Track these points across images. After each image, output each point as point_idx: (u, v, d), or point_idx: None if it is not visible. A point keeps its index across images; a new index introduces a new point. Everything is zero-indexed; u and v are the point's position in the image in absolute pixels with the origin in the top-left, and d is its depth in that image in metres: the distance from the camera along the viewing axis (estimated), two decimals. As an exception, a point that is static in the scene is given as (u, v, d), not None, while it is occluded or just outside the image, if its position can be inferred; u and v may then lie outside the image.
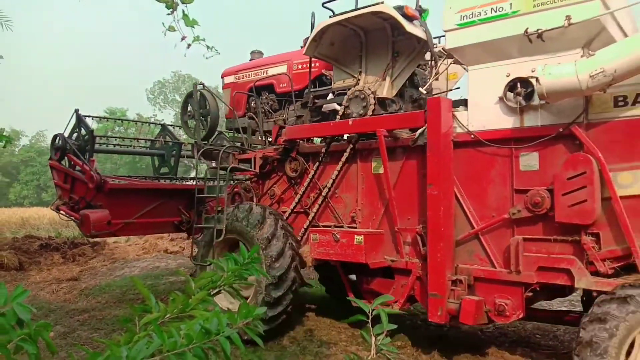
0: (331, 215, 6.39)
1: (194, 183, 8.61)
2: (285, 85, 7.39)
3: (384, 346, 2.03)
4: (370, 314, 2.08)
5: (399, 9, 5.48)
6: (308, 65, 6.98)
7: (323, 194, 6.37)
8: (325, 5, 6.31)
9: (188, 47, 5.72)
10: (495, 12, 4.62)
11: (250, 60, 8.62)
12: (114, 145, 10.01)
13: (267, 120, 7.53)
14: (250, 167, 7.12)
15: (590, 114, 4.40)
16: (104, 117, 11.49)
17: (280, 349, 5.78)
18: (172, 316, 1.79)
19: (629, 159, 4.21)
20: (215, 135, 7.75)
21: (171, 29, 4.38)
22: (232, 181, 7.64)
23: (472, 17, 4.75)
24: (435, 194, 5.05)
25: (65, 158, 8.29)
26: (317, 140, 7.19)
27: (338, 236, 5.66)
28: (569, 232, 4.43)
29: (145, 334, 1.63)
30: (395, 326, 2.00)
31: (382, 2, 5.58)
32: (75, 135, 8.49)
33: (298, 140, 6.75)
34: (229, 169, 7.02)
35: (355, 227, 6.01)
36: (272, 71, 7.62)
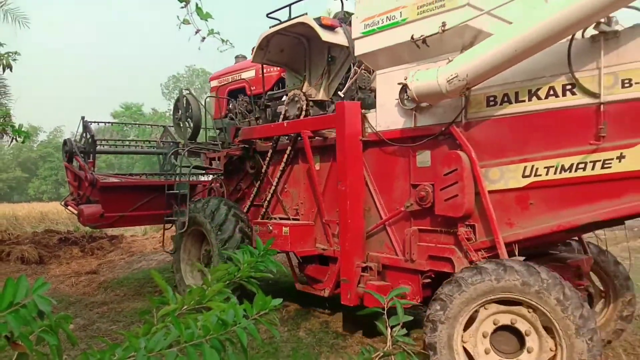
0: (282, 209, 6.91)
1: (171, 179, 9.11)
2: (255, 88, 7.90)
3: (400, 338, 2.03)
4: (385, 306, 2.08)
5: (317, 19, 5.91)
6: (274, 69, 7.65)
7: (272, 189, 6.89)
8: (269, 15, 6.70)
9: (202, 41, 5.74)
10: (389, 20, 4.91)
11: (235, 63, 9.21)
12: (116, 146, 11.16)
13: (243, 121, 7.99)
14: (216, 166, 8.06)
15: (468, 114, 4.64)
16: (107, 122, 12.55)
17: (296, 340, 5.81)
18: (189, 308, 1.81)
19: (497, 156, 4.46)
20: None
21: (185, 22, 4.40)
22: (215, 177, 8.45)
23: (372, 25, 5.07)
24: (343, 190, 5.48)
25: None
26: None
27: (271, 228, 6.21)
28: (449, 224, 4.75)
29: (163, 325, 1.65)
30: (411, 318, 2.00)
31: (306, 14, 6.07)
32: (83, 139, 9.79)
33: (255, 140, 7.27)
34: (190, 167, 8.29)
35: (299, 219, 6.47)
36: (244, 75, 8.17)
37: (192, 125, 8.02)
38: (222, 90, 8.85)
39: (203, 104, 8.40)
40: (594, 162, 3.91)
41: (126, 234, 15.73)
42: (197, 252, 7.60)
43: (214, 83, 9.22)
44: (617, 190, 3.84)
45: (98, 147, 9.96)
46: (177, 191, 7.75)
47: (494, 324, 4.14)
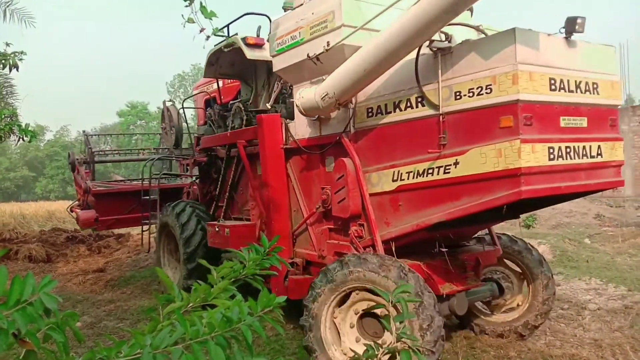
0: (238, 210, 7.32)
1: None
2: (223, 97, 8.21)
3: (404, 334, 2.03)
4: (390, 303, 2.08)
5: (244, 39, 6.39)
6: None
7: (228, 192, 7.35)
8: (216, 34, 6.86)
9: (207, 39, 5.76)
10: (292, 40, 5.29)
11: None
12: (115, 154, 12.60)
13: (217, 129, 8.27)
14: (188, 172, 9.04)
15: (356, 124, 5.05)
16: (107, 134, 13.97)
17: (301, 337, 5.80)
18: (194, 305, 1.82)
19: (376, 162, 4.88)
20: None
21: (190, 21, 4.41)
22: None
23: (282, 44, 5.46)
24: (266, 194, 5.97)
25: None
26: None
27: (217, 229, 6.59)
28: (346, 223, 5.16)
29: (169, 323, 1.66)
30: (414, 316, 2.00)
31: (236, 34, 6.54)
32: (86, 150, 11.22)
33: (215, 147, 7.71)
34: (160, 174, 9.40)
35: (249, 220, 6.78)
36: (215, 85, 8.43)
37: (174, 134, 8.76)
38: (201, 99, 9.22)
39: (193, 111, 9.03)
40: (439, 167, 4.26)
41: (133, 232, 15.80)
42: (174, 253, 7.89)
43: (196, 92, 9.60)
44: (456, 193, 4.19)
45: (99, 157, 11.47)
46: (148, 197, 8.74)
47: (359, 310, 4.52)
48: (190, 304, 1.82)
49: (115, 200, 10.11)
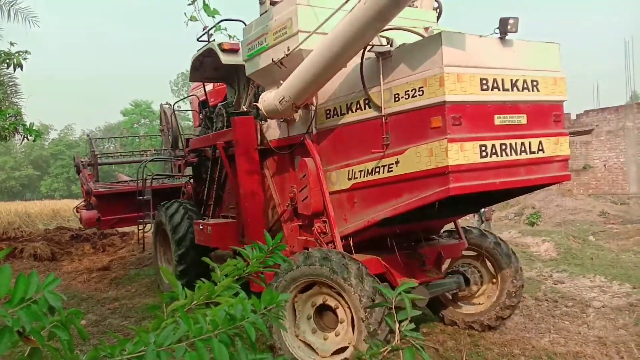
0: (225, 209, 7.46)
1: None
2: (213, 100, 8.39)
3: (408, 332, 2.03)
4: (393, 301, 2.08)
5: (219, 45, 6.58)
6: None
7: (216, 191, 7.52)
8: (199, 39, 7.09)
9: (210, 37, 5.77)
10: (260, 45, 5.43)
11: None
12: (120, 155, 13.62)
13: (206, 130, 8.45)
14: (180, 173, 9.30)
15: (317, 125, 5.21)
16: (110, 137, 14.48)
17: (306, 335, 5.83)
18: (198, 303, 1.83)
19: (334, 161, 5.05)
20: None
21: (193, 19, 4.41)
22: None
23: (252, 49, 5.58)
24: (242, 193, 6.14)
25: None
26: None
27: (201, 227, 6.81)
28: (311, 220, 5.30)
29: (173, 320, 1.67)
30: (419, 312, 2.00)
31: (214, 41, 6.74)
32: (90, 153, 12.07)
33: (204, 148, 7.81)
34: (152, 175, 9.94)
35: (235, 218, 6.86)
36: (208, 87, 8.60)
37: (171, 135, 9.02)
38: (195, 101, 9.38)
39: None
40: (384, 166, 4.44)
41: (136, 231, 15.82)
42: (169, 251, 7.92)
43: (191, 94, 9.79)
44: (398, 190, 4.38)
45: (103, 160, 12.30)
46: (141, 197, 9.12)
47: (316, 303, 4.69)
48: (194, 302, 1.82)
49: (116, 200, 10.54)
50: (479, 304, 6.01)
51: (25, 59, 7.47)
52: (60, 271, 10.39)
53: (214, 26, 6.44)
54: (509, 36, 4.33)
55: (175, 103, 9.78)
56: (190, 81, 7.96)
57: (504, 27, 4.14)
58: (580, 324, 6.39)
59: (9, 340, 1.28)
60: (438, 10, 5.88)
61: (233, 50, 6.57)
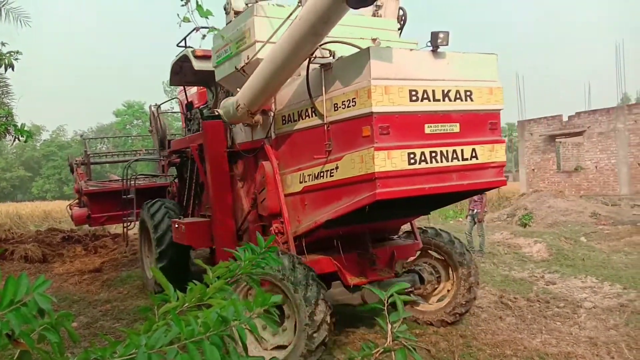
0: (204, 208, 7.61)
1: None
2: (197, 103, 8.62)
3: (400, 333, 2.03)
4: (386, 302, 2.08)
5: (193, 52, 6.79)
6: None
7: (195, 191, 7.71)
8: (178, 45, 7.32)
9: (203, 38, 5.78)
10: (225, 53, 5.65)
11: None
12: (112, 155, 13.82)
13: (188, 132, 8.69)
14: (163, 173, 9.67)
15: (275, 130, 5.45)
16: (103, 137, 15.05)
17: (299, 337, 5.82)
18: (190, 305, 1.82)
19: (289, 165, 5.26)
20: None
21: (186, 20, 4.40)
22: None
23: (219, 57, 5.82)
24: (212, 194, 6.37)
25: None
26: None
27: (177, 225, 6.99)
28: (270, 221, 5.54)
29: (164, 322, 1.66)
30: (410, 314, 2.00)
31: (190, 47, 6.92)
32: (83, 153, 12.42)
33: (184, 150, 7.99)
34: (136, 175, 10.41)
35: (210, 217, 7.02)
36: (192, 90, 8.82)
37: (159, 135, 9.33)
38: (182, 104, 9.58)
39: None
40: (327, 171, 4.70)
41: (129, 233, 15.75)
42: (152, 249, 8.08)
43: (180, 96, 9.92)
44: (338, 194, 4.63)
45: (95, 160, 12.75)
46: (125, 196, 9.50)
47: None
48: (186, 304, 1.82)
49: (106, 199, 10.83)
50: (438, 301, 6.24)
51: (16, 59, 7.42)
52: (51, 273, 10.31)
53: (189, 34, 6.90)
54: (444, 49, 4.55)
55: (161, 104, 9.94)
56: (170, 85, 8.21)
57: (435, 41, 4.36)
58: (572, 324, 6.43)
59: (-2, 343, 1.27)
60: (403, 18, 6.06)
61: (206, 57, 6.72)
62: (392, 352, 1.98)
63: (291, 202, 5.26)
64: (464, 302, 6.01)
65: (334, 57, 4.65)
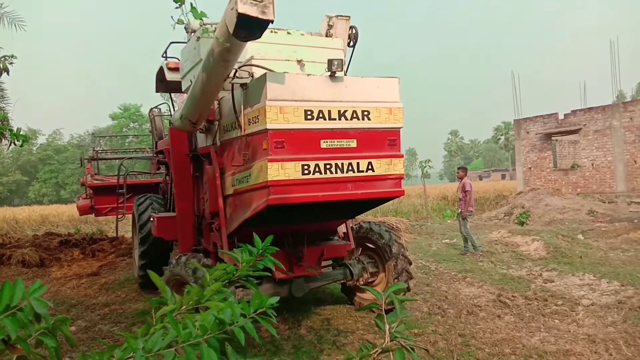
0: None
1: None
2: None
3: (398, 334, 2.03)
4: (384, 302, 2.08)
5: (167, 64, 7.17)
6: None
7: (171, 187, 8.06)
8: (162, 56, 7.46)
9: (197, 40, 5.75)
10: (185, 68, 6.13)
11: None
12: (116, 152, 15.26)
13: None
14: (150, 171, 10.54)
15: (220, 138, 5.91)
16: (113, 135, 16.05)
17: (297, 338, 5.82)
18: (187, 308, 1.82)
19: (228, 170, 5.69)
20: None
21: (180, 22, 4.39)
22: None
23: (182, 70, 6.34)
24: (176, 193, 6.98)
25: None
26: None
27: (152, 218, 7.66)
28: (213, 219, 6.04)
29: (161, 326, 1.65)
30: (409, 314, 2.00)
31: (173, 58, 7.23)
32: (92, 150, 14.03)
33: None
34: (126, 172, 11.19)
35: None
36: (185, 96, 9.06)
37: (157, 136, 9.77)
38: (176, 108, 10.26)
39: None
40: (245, 177, 5.19)
41: (127, 235, 15.73)
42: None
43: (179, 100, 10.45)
44: (251, 198, 5.14)
45: (104, 155, 14.44)
46: (120, 190, 10.40)
47: None
48: (183, 307, 1.81)
49: (107, 192, 11.94)
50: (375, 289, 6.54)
51: (11, 63, 7.39)
52: (49, 277, 10.28)
53: (168, 47, 7.19)
54: (344, 73, 5.23)
55: (155, 107, 10.08)
56: (155, 92, 8.42)
57: (330, 67, 4.89)
58: (570, 322, 6.44)
59: (-6, 349, 1.26)
60: (354, 36, 6.43)
61: (176, 69, 7.11)
62: (391, 352, 1.98)
63: (229, 203, 5.75)
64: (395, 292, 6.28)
65: (252, 78, 5.21)
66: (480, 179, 79.59)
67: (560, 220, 17.97)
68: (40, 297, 1.37)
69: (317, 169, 4.90)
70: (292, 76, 4.87)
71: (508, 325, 6.32)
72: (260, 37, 4.00)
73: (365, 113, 5.13)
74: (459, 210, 11.94)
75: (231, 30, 3.82)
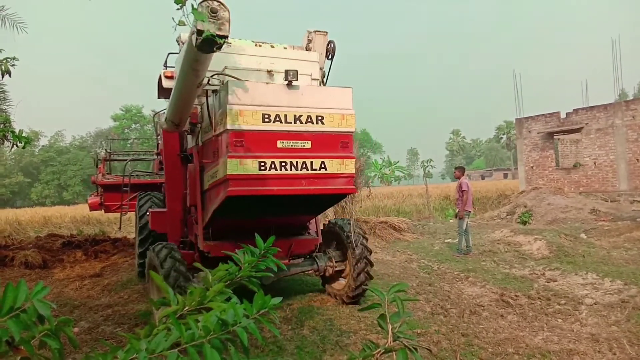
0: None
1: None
2: None
3: (401, 334, 2.03)
4: (386, 302, 2.08)
5: (164, 73, 7.44)
6: None
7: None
8: (164, 65, 7.85)
9: (199, 41, 5.75)
10: (176, 76, 6.20)
11: None
12: (129, 154, 15.92)
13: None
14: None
15: (202, 138, 6.46)
16: (126, 139, 16.59)
17: (300, 338, 5.82)
18: (190, 309, 1.81)
19: (207, 167, 6.15)
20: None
21: (181, 23, 4.39)
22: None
23: (175, 78, 6.38)
24: (167, 190, 7.54)
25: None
26: None
27: (147, 213, 8.35)
28: (193, 210, 6.72)
29: (164, 327, 1.65)
30: (411, 314, 2.00)
31: (166, 68, 7.61)
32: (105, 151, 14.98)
33: None
34: (131, 172, 12.85)
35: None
36: None
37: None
38: None
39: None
40: (215, 172, 5.71)
41: (129, 236, 15.75)
42: None
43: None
44: (218, 191, 5.66)
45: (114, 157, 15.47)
46: (122, 188, 11.68)
47: None
48: (186, 308, 1.81)
49: (116, 190, 12.68)
50: (344, 281, 7.40)
51: (13, 65, 7.39)
52: (52, 279, 10.30)
53: (168, 56, 7.50)
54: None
55: (160, 111, 10.16)
56: (157, 98, 8.56)
57: (287, 77, 5.46)
58: (573, 321, 6.43)
59: (-3, 351, 1.26)
60: (332, 50, 6.99)
61: (172, 77, 7.41)
62: (394, 353, 1.98)
63: (206, 197, 6.28)
64: (355, 286, 7.03)
65: (223, 83, 5.69)
66: (482, 178, 79.51)
67: (562, 220, 17.94)
68: (43, 299, 1.37)
69: (273, 166, 5.42)
70: (251, 84, 5.45)
71: (511, 325, 6.31)
72: (220, 49, 4.38)
73: (320, 118, 5.64)
74: (457, 210, 12.02)
75: (194, 44, 4.30)
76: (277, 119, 5.44)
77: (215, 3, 3.98)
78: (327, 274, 7.29)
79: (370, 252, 7.24)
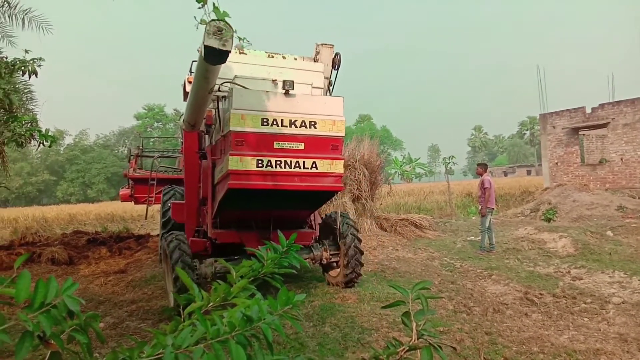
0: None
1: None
2: None
3: (425, 331, 2.01)
4: (410, 300, 2.07)
5: (188, 78, 7.83)
6: None
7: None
8: (190, 71, 8.16)
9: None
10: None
11: None
12: (158, 151, 17.26)
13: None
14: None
15: (214, 138, 7.16)
16: (157, 137, 18.29)
17: (322, 335, 5.82)
18: (214, 304, 1.83)
19: (218, 163, 6.83)
20: None
21: (202, 22, 4.42)
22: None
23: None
24: (186, 184, 8.02)
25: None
26: None
27: (169, 205, 9.00)
28: (206, 203, 7.48)
29: (190, 322, 1.67)
30: (434, 311, 1.98)
31: (191, 74, 7.88)
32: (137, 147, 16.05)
33: None
34: (157, 167, 13.70)
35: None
36: None
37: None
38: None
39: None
40: (222, 167, 6.42)
41: (152, 233, 15.96)
42: None
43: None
44: (223, 185, 6.36)
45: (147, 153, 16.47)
46: (150, 182, 12.76)
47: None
48: (211, 304, 1.82)
49: (146, 183, 13.66)
50: (339, 269, 8.12)
51: (39, 66, 7.54)
52: (77, 275, 10.50)
53: (192, 63, 7.54)
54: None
55: (182, 116, 10.49)
56: (183, 101, 8.75)
57: (284, 86, 6.14)
58: (600, 320, 6.31)
59: (29, 345, 1.29)
60: (337, 61, 7.66)
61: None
62: (418, 350, 1.97)
63: (215, 190, 6.94)
64: (348, 273, 7.78)
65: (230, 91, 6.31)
66: (505, 175, 78.44)
67: (588, 217, 17.59)
68: (72, 295, 1.40)
69: (269, 164, 6.09)
70: (253, 92, 6.18)
71: (536, 324, 6.22)
72: (225, 62, 4.79)
73: (313, 123, 6.28)
74: (479, 207, 11.90)
75: (203, 57, 4.74)
76: (275, 122, 6.11)
77: (222, 23, 4.39)
78: (323, 262, 8.03)
79: (360, 240, 7.91)
